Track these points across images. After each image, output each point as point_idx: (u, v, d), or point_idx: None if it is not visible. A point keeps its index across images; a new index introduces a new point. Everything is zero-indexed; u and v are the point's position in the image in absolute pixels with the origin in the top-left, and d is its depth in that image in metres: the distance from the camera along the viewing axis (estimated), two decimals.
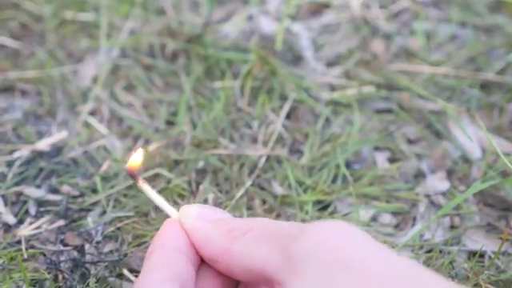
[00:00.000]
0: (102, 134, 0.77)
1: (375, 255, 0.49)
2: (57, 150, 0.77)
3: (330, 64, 0.86)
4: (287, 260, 0.49)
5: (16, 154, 0.75)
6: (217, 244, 0.53)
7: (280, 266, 0.50)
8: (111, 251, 0.67)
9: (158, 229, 0.57)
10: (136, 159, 0.58)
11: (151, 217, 0.69)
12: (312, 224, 0.51)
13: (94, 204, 0.71)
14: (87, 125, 0.78)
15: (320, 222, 0.52)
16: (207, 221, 0.54)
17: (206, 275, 0.55)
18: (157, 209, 0.68)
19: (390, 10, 0.93)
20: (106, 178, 0.72)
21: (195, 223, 0.54)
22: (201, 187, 0.71)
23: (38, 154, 0.76)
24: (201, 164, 0.73)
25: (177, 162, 0.74)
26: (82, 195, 0.72)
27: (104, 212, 0.69)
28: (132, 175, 0.58)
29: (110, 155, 0.75)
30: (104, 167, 0.73)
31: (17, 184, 0.73)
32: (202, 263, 0.55)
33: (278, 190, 0.72)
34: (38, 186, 0.73)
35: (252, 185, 0.72)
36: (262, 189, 0.72)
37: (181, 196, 0.71)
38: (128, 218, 0.69)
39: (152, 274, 0.51)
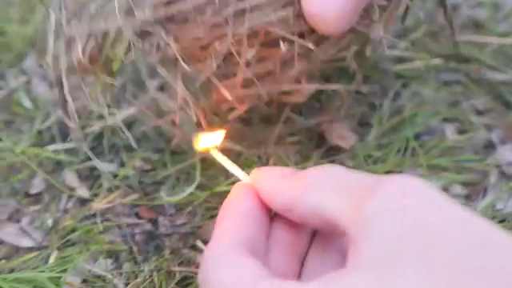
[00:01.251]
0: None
1: (451, 216, 0.46)
2: (127, 125, 0.78)
3: (398, 36, 0.85)
4: (358, 218, 0.48)
5: (88, 130, 0.77)
6: (290, 192, 0.53)
7: (352, 223, 0.48)
8: (184, 223, 0.68)
9: None
10: (212, 139, 0.60)
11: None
12: (387, 179, 0.49)
13: (166, 177, 0.72)
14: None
15: (394, 177, 0.49)
16: (280, 175, 0.55)
17: (278, 233, 0.55)
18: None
19: None
20: (176, 153, 0.74)
21: (267, 178, 0.55)
22: (271, 160, 0.72)
23: (109, 129, 0.77)
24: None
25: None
26: (153, 169, 0.73)
27: (176, 185, 0.71)
28: (205, 144, 0.59)
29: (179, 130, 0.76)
30: (174, 142, 0.74)
31: (90, 159, 0.74)
32: (274, 222, 0.55)
33: (349, 163, 0.72)
34: (111, 161, 0.74)
35: (321, 158, 0.73)
36: (332, 161, 0.73)
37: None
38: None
39: (222, 238, 0.51)
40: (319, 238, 0.56)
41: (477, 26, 0.89)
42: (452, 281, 0.42)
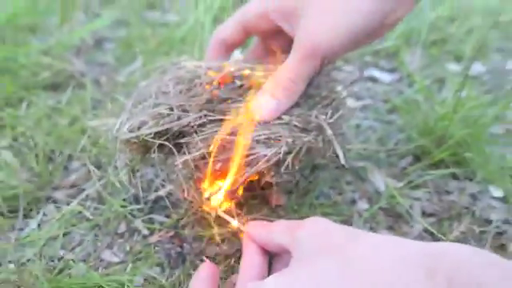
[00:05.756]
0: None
1: (348, 229, 0.63)
2: (169, 194, 1.05)
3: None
4: (293, 240, 0.65)
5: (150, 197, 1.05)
6: (264, 235, 0.72)
7: (290, 244, 0.66)
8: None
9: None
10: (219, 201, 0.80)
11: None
12: (311, 217, 0.67)
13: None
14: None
15: (314, 217, 0.67)
16: (260, 225, 0.76)
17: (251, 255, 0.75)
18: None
19: None
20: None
21: (254, 227, 0.76)
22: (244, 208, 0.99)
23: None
24: None
25: None
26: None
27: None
28: (212, 207, 0.80)
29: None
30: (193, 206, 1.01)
31: (148, 213, 1.03)
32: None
33: (282, 213, 0.97)
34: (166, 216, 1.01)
35: (268, 211, 0.99)
36: (274, 212, 0.99)
37: None
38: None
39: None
40: (279, 259, 0.76)
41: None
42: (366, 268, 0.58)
